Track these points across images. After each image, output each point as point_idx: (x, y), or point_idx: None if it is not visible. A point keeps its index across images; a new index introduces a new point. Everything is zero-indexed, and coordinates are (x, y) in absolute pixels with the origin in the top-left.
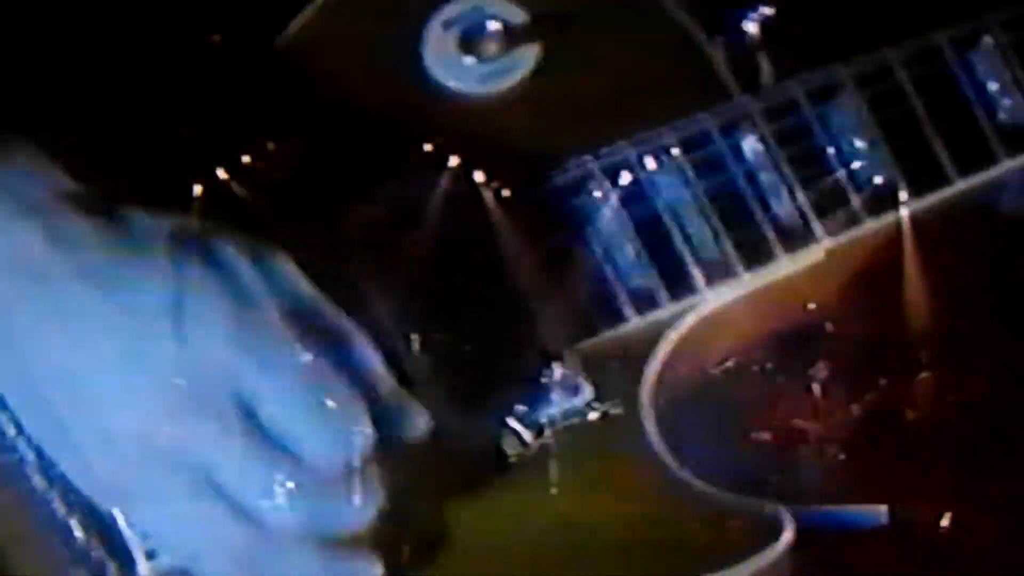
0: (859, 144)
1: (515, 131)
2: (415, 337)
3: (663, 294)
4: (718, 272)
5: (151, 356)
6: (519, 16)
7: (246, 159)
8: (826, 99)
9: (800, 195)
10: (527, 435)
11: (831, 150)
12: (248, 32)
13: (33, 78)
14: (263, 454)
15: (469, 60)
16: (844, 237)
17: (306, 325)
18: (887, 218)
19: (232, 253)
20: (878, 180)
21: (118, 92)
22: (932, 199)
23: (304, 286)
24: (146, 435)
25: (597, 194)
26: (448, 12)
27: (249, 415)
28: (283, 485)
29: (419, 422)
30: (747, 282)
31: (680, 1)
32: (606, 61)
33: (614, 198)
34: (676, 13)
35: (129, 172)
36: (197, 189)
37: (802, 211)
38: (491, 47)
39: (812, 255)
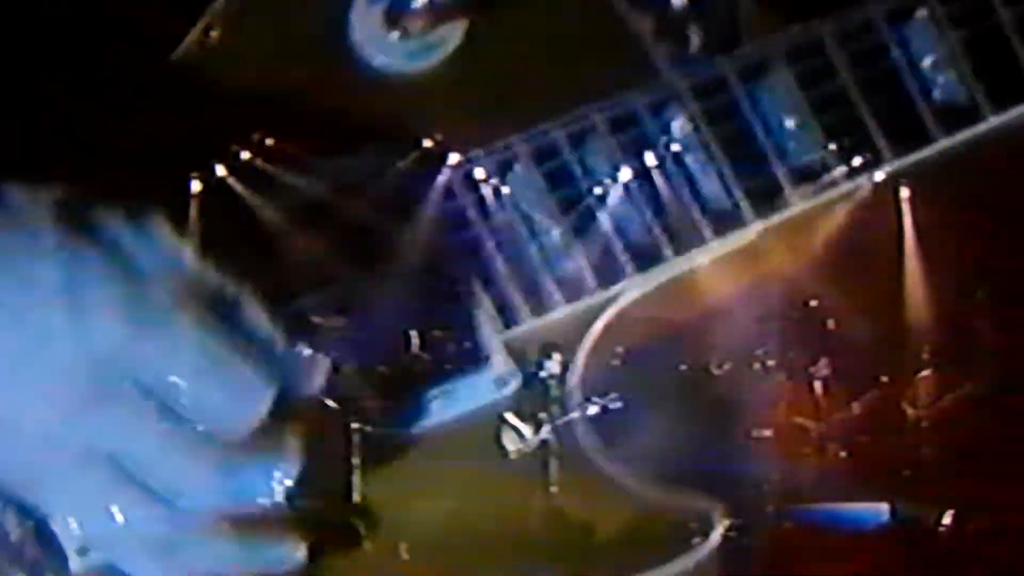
0: (790, 123)
1: (440, 110)
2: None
3: (591, 281)
4: (647, 257)
5: (49, 348)
6: None
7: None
8: (756, 76)
9: (729, 176)
10: (526, 430)
11: (761, 129)
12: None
13: None
14: (175, 434)
15: (395, 36)
16: (774, 219)
17: (193, 291)
18: (819, 200)
19: (113, 223)
20: (810, 160)
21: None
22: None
23: (184, 251)
24: (50, 427)
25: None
26: None
27: (153, 396)
28: (199, 460)
29: (316, 379)
30: (676, 265)
31: None
32: (532, 37)
33: (540, 183)
34: None
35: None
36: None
37: (731, 193)
38: (417, 23)
39: (742, 238)
